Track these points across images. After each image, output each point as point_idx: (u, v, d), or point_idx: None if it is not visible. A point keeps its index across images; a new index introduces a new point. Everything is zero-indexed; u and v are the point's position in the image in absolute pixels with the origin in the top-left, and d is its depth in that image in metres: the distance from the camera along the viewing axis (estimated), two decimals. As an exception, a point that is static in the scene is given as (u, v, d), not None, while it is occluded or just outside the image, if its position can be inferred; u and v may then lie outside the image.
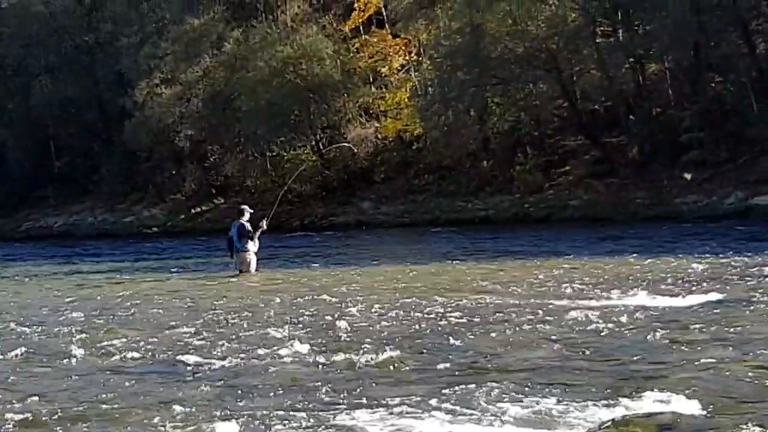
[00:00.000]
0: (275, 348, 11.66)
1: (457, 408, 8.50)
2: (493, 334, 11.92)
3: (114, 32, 58.00)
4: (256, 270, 22.33)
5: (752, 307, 12.95)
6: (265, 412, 8.69)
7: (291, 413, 8.61)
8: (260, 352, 11.53)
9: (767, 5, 38.25)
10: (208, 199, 53.14)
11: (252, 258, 22.29)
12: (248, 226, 22.19)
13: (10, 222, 60.49)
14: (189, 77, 52.75)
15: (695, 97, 38.84)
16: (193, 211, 52.98)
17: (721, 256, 19.84)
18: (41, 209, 61.73)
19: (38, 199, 62.33)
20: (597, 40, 41.38)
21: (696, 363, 9.71)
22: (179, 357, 11.53)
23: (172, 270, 25.58)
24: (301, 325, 13.51)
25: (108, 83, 59.78)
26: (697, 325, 11.76)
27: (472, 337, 11.82)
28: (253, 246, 22.25)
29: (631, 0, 40.24)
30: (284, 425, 8.26)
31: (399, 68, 49.76)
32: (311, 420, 8.35)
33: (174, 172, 55.73)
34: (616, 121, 42.10)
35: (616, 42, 41.68)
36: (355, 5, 50.14)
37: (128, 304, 17.43)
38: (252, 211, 22.88)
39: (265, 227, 22.33)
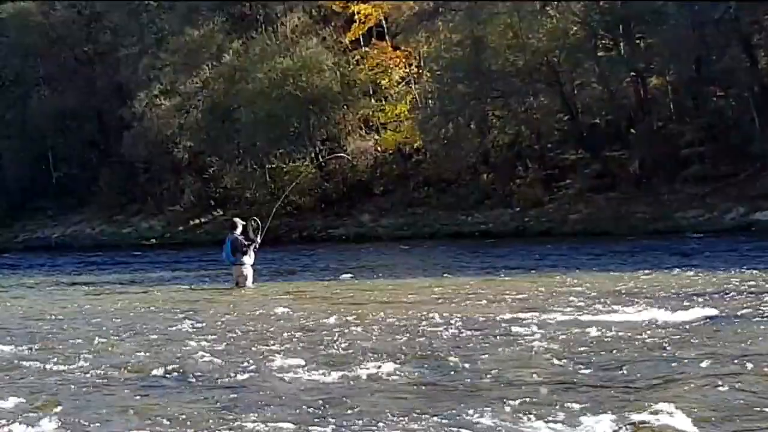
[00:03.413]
0: (272, 362, 11.48)
1: (457, 425, 8.30)
2: (493, 350, 11.71)
3: (113, 43, 57.95)
4: (253, 283, 22.15)
5: (753, 323, 12.78)
6: (262, 426, 8.51)
7: (288, 428, 8.43)
8: (257, 366, 11.33)
9: (769, 19, 38.17)
10: (206, 210, 52.96)
11: (248, 271, 22.10)
12: (242, 239, 22.02)
13: (7, 233, 60.25)
14: (188, 88, 52.67)
15: (696, 112, 38.75)
16: (191, 222, 52.81)
17: (722, 270, 19.72)
18: (39, 220, 61.53)
19: (36, 210, 62.15)
20: (598, 54, 41.30)
21: (697, 378, 9.58)
22: (175, 370, 11.35)
23: (169, 282, 25.41)
24: (297, 339, 13.31)
25: (107, 94, 59.65)
26: (697, 341, 11.60)
27: (471, 352, 11.61)
28: (248, 259, 22.08)
29: (632, 14, 40.13)
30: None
31: (399, 80, 49.66)
32: (306, 437, 8.17)
33: (172, 183, 55.59)
34: (617, 135, 41.98)
35: (617, 56, 41.60)
36: (356, 17, 50.04)
37: (123, 316, 17.24)
38: (244, 223, 22.71)
39: (258, 241, 22.19)
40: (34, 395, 10.40)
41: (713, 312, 13.95)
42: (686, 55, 37.94)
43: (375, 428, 8.35)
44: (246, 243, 21.97)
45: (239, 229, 22.26)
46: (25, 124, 61.13)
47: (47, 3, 60.35)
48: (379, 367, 10.82)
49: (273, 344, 12.84)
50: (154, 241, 52.29)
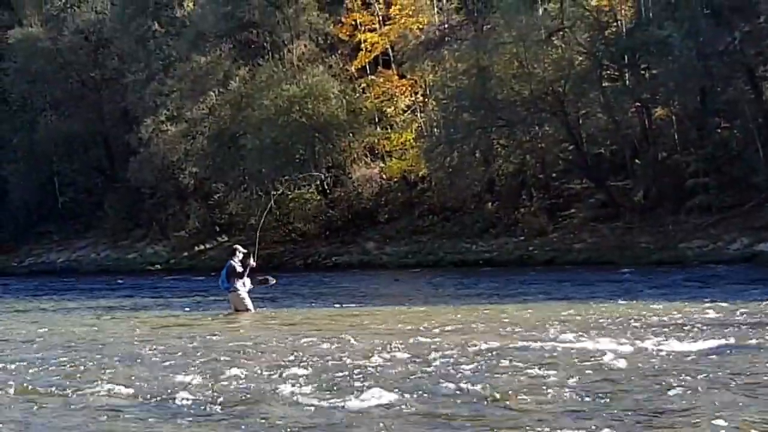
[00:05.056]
0: (272, 389, 11.49)
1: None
2: (500, 378, 11.72)
3: (120, 69, 58.09)
4: (254, 309, 22.23)
5: (760, 353, 12.78)
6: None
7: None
8: (258, 392, 11.34)
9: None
10: (211, 236, 52.94)
11: (244, 297, 22.21)
12: (238, 266, 22.12)
13: (12, 257, 60.31)
14: (194, 115, 52.70)
15: (701, 142, 38.77)
16: (196, 248, 52.79)
17: (727, 301, 19.70)
18: (44, 245, 61.54)
19: (41, 234, 62.13)
20: (603, 84, 41.35)
21: (704, 408, 9.56)
22: (177, 396, 11.35)
23: (171, 308, 25.41)
24: (299, 366, 13.31)
25: (113, 120, 59.74)
26: (705, 371, 11.59)
27: (478, 380, 11.61)
28: (242, 286, 22.18)
29: (637, 45, 40.26)
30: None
31: (405, 109, 49.69)
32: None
33: (178, 209, 55.59)
34: (621, 165, 42.05)
35: (622, 86, 41.70)
36: (362, 45, 50.21)
37: (126, 341, 17.26)
38: (245, 251, 22.81)
39: (253, 265, 22.28)
40: (37, 420, 10.42)
41: (721, 342, 13.94)
42: (691, 86, 38.03)
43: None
44: (240, 270, 22.09)
45: (239, 256, 22.36)
46: (32, 148, 61.16)
47: (55, 29, 60.53)
48: (382, 394, 10.81)
49: (272, 371, 12.83)
50: (158, 266, 52.31)
